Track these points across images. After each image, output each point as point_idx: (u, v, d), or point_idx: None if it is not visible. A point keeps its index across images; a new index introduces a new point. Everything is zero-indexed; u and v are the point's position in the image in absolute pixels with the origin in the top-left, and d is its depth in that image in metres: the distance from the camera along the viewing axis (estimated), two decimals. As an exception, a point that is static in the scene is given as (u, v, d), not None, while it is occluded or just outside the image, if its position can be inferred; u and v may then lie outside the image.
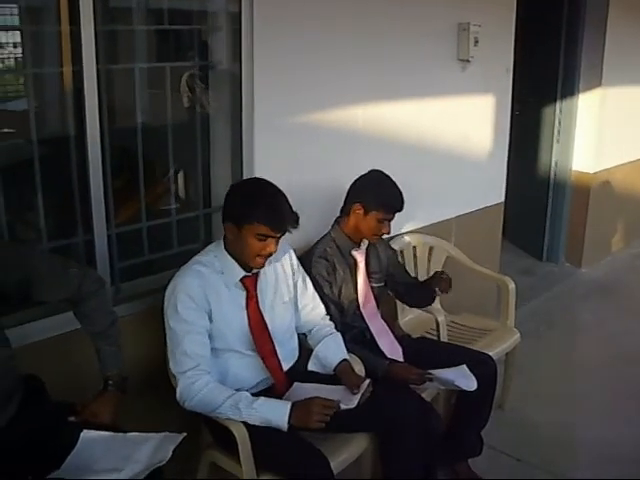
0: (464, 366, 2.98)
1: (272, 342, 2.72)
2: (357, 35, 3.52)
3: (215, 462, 2.77)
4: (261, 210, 2.51)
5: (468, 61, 4.19)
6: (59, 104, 2.88)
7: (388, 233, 3.16)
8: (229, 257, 2.63)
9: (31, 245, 2.77)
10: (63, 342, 2.64)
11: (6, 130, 3.28)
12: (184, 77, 3.30)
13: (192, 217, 3.25)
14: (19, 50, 4.57)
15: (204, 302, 2.57)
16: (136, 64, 3.00)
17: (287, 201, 2.59)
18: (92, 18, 2.61)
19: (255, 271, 2.68)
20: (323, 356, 2.87)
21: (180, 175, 3.43)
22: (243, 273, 2.65)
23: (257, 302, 2.70)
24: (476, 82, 4.37)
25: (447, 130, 4.23)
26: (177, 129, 3.15)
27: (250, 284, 2.68)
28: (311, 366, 2.89)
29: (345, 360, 2.84)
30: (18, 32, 3.93)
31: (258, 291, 2.71)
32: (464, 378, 2.91)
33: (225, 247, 2.65)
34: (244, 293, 2.67)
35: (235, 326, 2.66)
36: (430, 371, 2.92)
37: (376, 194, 3.08)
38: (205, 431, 2.76)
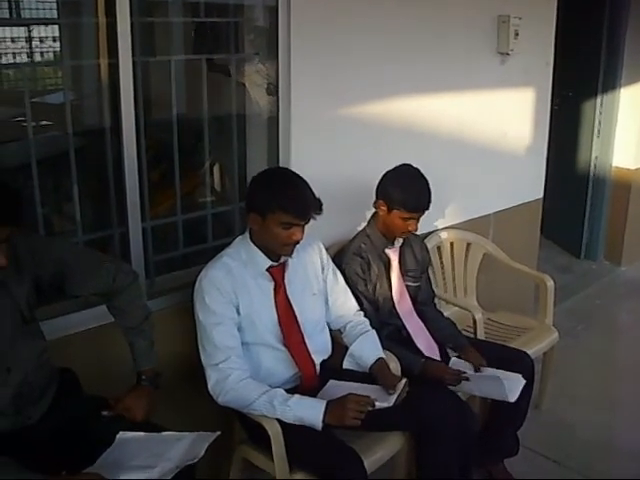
0: (519, 376, 2.96)
1: (301, 333, 2.70)
2: (394, 28, 3.47)
3: (247, 458, 2.76)
4: (284, 198, 2.49)
5: (508, 54, 4.12)
6: (96, 97, 2.87)
7: (415, 231, 3.09)
8: (255, 247, 2.62)
9: (66, 238, 2.78)
10: (96, 336, 2.64)
11: (44, 122, 3.28)
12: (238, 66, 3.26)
13: (227, 211, 3.23)
14: (57, 44, 4.59)
15: (231, 294, 2.56)
16: (172, 56, 2.98)
17: (309, 188, 2.57)
18: (128, 10, 2.60)
19: (282, 260, 2.66)
20: (358, 355, 2.84)
21: (216, 168, 3.40)
22: (269, 263, 2.63)
23: (285, 292, 2.68)
24: (515, 76, 4.30)
25: (486, 124, 4.17)
26: (213, 122, 3.14)
27: (277, 274, 2.66)
28: (346, 364, 2.87)
29: (381, 358, 2.81)
30: (57, 26, 3.95)
31: (286, 281, 2.69)
32: (509, 384, 2.87)
33: (251, 238, 2.64)
34: (272, 284, 2.66)
35: (265, 317, 2.65)
36: (480, 370, 2.96)
37: (398, 192, 3.00)
38: (238, 427, 2.75)
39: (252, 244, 2.63)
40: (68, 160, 2.69)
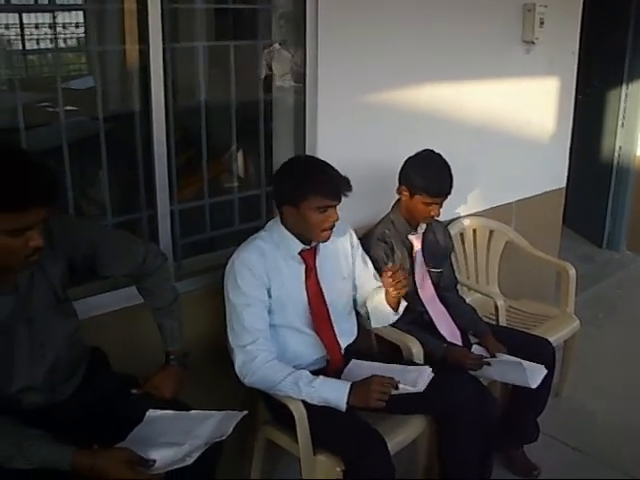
0: (541, 367, 2.97)
1: (329, 317, 2.74)
2: (421, 15, 3.49)
3: (271, 439, 2.81)
4: (314, 183, 2.53)
5: (533, 43, 4.12)
6: (124, 82, 2.91)
7: (438, 215, 3.11)
8: (287, 232, 2.65)
9: (97, 220, 2.82)
10: (125, 316, 2.68)
11: (68, 108, 3.34)
12: (265, 53, 3.28)
13: (253, 195, 3.26)
14: (80, 30, 4.64)
15: (264, 277, 2.60)
16: (200, 42, 3.01)
17: (333, 167, 2.60)
18: (159, -3, 2.63)
19: (314, 244, 2.69)
20: (374, 300, 2.88)
21: (242, 153, 3.43)
22: (302, 246, 2.67)
23: (316, 275, 2.72)
24: (540, 64, 4.30)
25: (510, 112, 4.17)
26: (240, 107, 3.16)
27: (309, 257, 2.70)
28: (374, 323, 2.91)
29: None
30: (81, 12, 3.99)
31: (317, 265, 2.72)
32: (530, 371, 2.89)
33: (283, 223, 2.67)
34: (303, 267, 2.70)
35: (295, 300, 2.69)
36: (497, 355, 2.98)
37: (420, 177, 3.03)
38: (262, 407, 2.79)
39: (285, 229, 2.66)
40: (93, 144, 2.73)
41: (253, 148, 3.25)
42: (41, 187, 1.84)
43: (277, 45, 3.21)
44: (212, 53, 3.18)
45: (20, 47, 3.65)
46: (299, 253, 2.68)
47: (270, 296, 2.63)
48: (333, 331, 2.75)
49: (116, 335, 2.63)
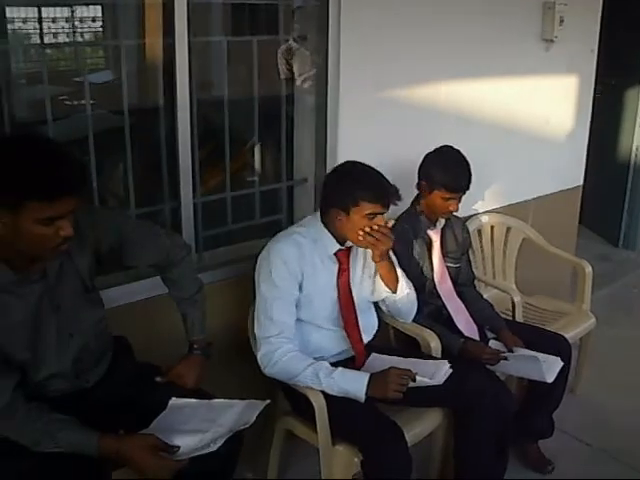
0: (557, 358, 3.00)
1: (356, 314, 2.77)
2: (442, 12, 3.51)
3: (290, 429, 2.84)
4: (366, 190, 2.55)
5: (552, 41, 4.12)
6: (149, 75, 2.94)
7: (456, 211, 3.14)
8: (326, 230, 2.67)
9: (123, 211, 2.85)
10: (148, 307, 2.73)
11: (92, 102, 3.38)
12: (281, 49, 3.31)
13: (274, 189, 3.29)
14: (99, 24, 4.68)
15: (298, 272, 2.63)
16: (224, 37, 3.04)
17: (383, 176, 2.62)
18: (185, -8, 2.66)
19: (349, 245, 2.72)
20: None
21: (263, 148, 3.47)
22: (338, 247, 2.69)
23: (348, 276, 2.74)
24: (559, 63, 4.30)
25: (528, 110, 4.18)
26: (261, 102, 3.20)
27: (343, 258, 2.72)
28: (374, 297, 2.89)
29: None
30: (99, 7, 4.03)
31: (349, 264, 2.75)
32: (547, 365, 2.91)
33: (322, 221, 2.69)
34: (336, 266, 2.72)
35: (324, 298, 2.71)
36: (514, 349, 3.00)
37: (439, 173, 3.05)
38: (281, 398, 2.82)
39: (324, 227, 2.68)
40: (114, 137, 2.78)
41: (274, 143, 3.28)
42: (72, 177, 1.87)
43: (293, 42, 3.24)
44: (234, 48, 3.21)
45: (40, 41, 3.67)
46: (335, 253, 2.70)
47: (301, 291, 2.65)
48: (358, 328, 2.78)
49: (139, 325, 2.68)
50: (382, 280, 2.77)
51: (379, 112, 3.32)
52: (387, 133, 3.35)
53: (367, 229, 2.58)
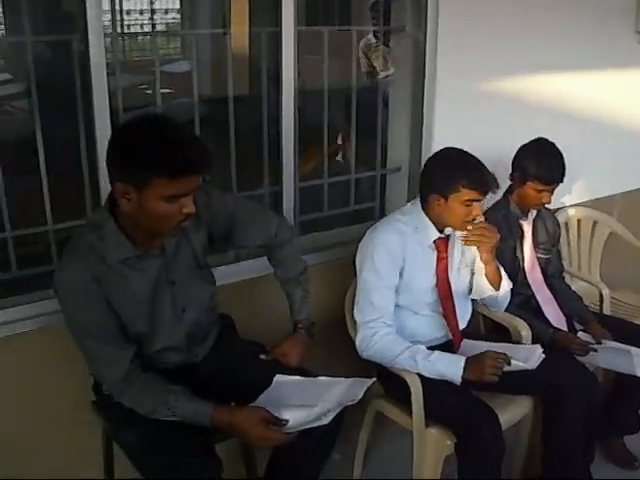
0: None
1: (453, 302, 2.81)
2: (535, 3, 3.51)
3: (381, 411, 2.89)
4: (468, 177, 2.58)
5: (647, 34, 4.07)
6: (254, 65, 3.01)
7: (549, 203, 3.15)
8: (426, 218, 2.72)
9: (235, 193, 2.93)
10: (251, 286, 2.81)
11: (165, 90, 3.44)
12: (361, 44, 3.36)
13: (368, 177, 3.35)
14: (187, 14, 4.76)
15: (399, 259, 2.68)
16: (325, 27, 3.09)
17: (483, 164, 2.65)
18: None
19: (447, 233, 2.76)
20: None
21: (357, 136, 3.53)
22: (437, 235, 2.73)
23: (447, 264, 2.78)
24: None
25: (618, 103, 4.14)
26: (356, 92, 3.25)
27: (442, 245, 2.76)
28: (473, 294, 2.93)
29: None
30: None
31: (448, 253, 2.79)
32: (639, 358, 2.88)
33: (423, 210, 2.73)
34: (435, 254, 2.76)
35: (422, 285, 2.76)
36: (603, 341, 2.99)
37: (533, 164, 3.06)
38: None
39: (424, 215, 2.72)
40: (216, 123, 2.86)
41: (369, 131, 3.33)
42: (199, 156, 1.95)
43: (372, 37, 3.27)
44: (335, 38, 3.26)
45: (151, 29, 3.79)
46: (434, 241, 2.75)
47: (401, 277, 2.71)
48: (455, 315, 2.82)
49: (242, 304, 2.76)
50: (487, 279, 2.81)
51: (473, 103, 3.35)
52: (480, 124, 3.38)
53: (469, 227, 2.63)
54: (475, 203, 2.61)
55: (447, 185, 2.60)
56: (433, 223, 2.72)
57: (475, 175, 2.59)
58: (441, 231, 2.74)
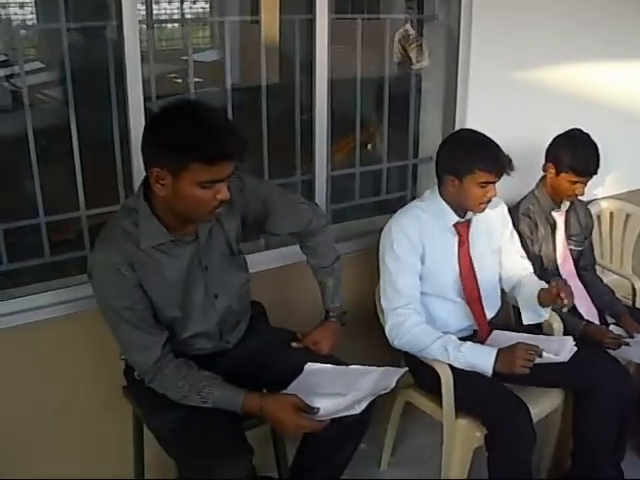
0: None
1: (478, 288, 2.79)
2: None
3: (410, 401, 2.89)
4: (482, 158, 2.56)
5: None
6: (285, 53, 3.01)
7: (582, 194, 3.12)
8: (444, 203, 2.71)
9: (268, 180, 2.92)
10: (283, 274, 2.82)
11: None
12: (397, 36, 3.34)
13: (400, 167, 3.34)
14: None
15: (419, 244, 2.67)
16: (359, 15, 3.08)
17: (498, 146, 2.63)
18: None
19: (468, 217, 2.75)
20: (524, 292, 2.85)
21: (389, 126, 3.51)
22: (457, 219, 2.72)
23: (468, 248, 2.76)
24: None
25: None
26: (389, 81, 3.24)
27: (463, 230, 2.75)
28: (526, 319, 2.85)
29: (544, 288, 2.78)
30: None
31: (470, 238, 2.77)
32: None
33: (440, 194, 2.72)
34: (456, 238, 2.75)
35: (446, 270, 2.75)
36: (635, 335, 2.97)
37: (568, 155, 3.03)
38: (404, 370, 2.86)
39: (442, 200, 2.71)
40: (247, 111, 2.86)
41: (401, 121, 3.32)
42: (234, 143, 1.94)
43: (409, 27, 3.25)
44: (367, 27, 3.25)
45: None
46: (454, 225, 2.73)
47: (423, 263, 2.70)
48: (481, 302, 2.80)
49: (273, 291, 2.77)
50: (540, 299, 2.73)
51: (506, 92, 3.33)
52: (513, 114, 3.36)
53: (554, 291, 2.60)
54: (490, 185, 2.59)
55: (463, 167, 2.59)
56: (451, 207, 2.70)
57: (490, 157, 2.58)
58: (462, 216, 2.72)
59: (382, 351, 2.70)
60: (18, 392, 2.51)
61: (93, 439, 2.67)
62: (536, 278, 2.92)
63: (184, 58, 3.67)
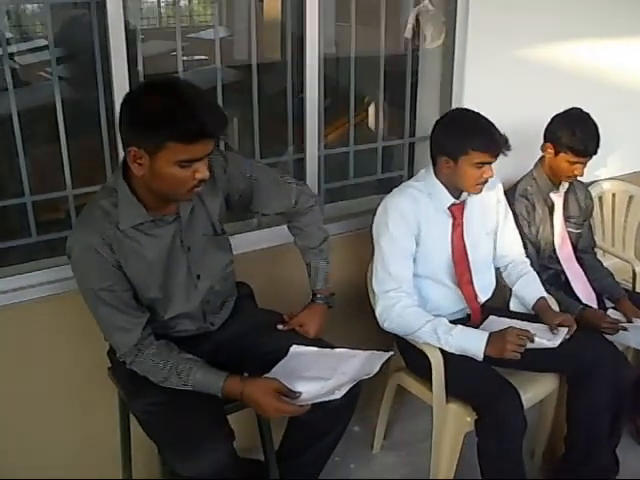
0: None
1: (470, 271, 2.74)
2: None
3: (402, 385, 2.87)
4: (476, 138, 2.51)
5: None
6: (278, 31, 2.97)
7: (581, 175, 3.06)
8: (439, 184, 2.66)
9: (254, 158, 2.87)
10: (270, 255, 2.78)
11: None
12: (415, 9, 3.25)
13: (396, 146, 3.29)
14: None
15: (414, 225, 2.62)
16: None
17: (494, 125, 2.57)
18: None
19: (463, 198, 2.70)
20: (521, 295, 2.87)
21: (385, 104, 3.46)
22: (452, 200, 2.67)
23: (462, 231, 2.72)
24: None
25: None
26: (386, 60, 3.18)
27: (457, 212, 2.70)
28: (513, 306, 2.89)
29: (542, 298, 2.81)
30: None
31: (464, 220, 2.72)
32: None
33: (435, 175, 2.67)
34: (451, 220, 2.70)
35: (439, 252, 2.70)
36: (634, 320, 2.92)
37: (567, 135, 2.97)
38: (396, 354, 2.81)
39: (437, 181, 2.66)
40: (238, 90, 2.82)
41: (397, 99, 3.26)
42: (213, 121, 1.89)
43: (428, 3, 3.17)
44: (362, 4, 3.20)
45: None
46: (448, 208, 2.68)
47: (417, 244, 2.65)
48: (472, 285, 2.76)
49: (260, 272, 2.73)
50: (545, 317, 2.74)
51: (504, 71, 3.26)
52: (511, 93, 3.30)
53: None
54: (486, 166, 2.54)
55: (457, 148, 2.54)
56: (446, 188, 2.65)
57: (484, 137, 2.52)
58: (457, 197, 2.68)
59: (374, 334, 2.66)
60: (4, 371, 2.48)
61: (79, 420, 2.65)
62: (534, 277, 2.90)
63: (190, 36, 3.62)
